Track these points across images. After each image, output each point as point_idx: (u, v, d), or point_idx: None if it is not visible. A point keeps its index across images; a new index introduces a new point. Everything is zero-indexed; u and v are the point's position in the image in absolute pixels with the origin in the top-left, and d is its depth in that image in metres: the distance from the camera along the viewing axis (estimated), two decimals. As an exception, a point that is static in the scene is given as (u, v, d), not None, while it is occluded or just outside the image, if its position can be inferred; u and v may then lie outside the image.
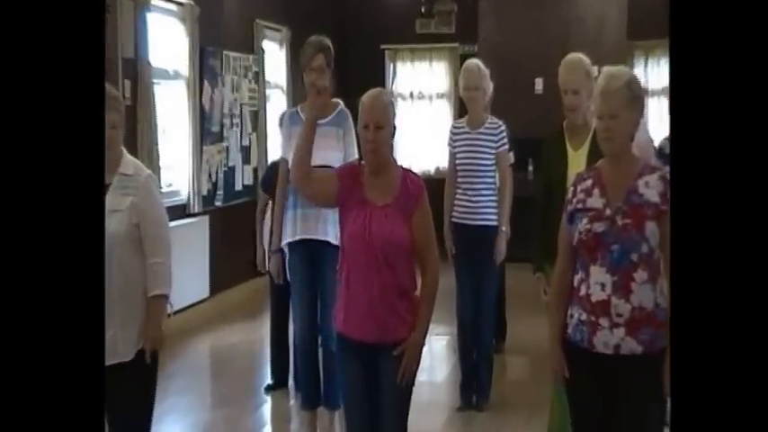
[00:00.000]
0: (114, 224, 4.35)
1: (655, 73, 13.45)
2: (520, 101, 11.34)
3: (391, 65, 14.19)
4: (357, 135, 4.75)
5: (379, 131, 4.23)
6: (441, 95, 13.99)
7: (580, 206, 3.98)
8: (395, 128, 4.34)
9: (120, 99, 4.53)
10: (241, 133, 10.48)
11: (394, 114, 4.38)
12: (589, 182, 4.02)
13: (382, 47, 14.06)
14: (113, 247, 4.33)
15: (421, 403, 6.46)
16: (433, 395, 7.17)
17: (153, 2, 8.62)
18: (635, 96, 3.93)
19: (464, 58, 12.13)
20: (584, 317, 3.92)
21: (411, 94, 14.18)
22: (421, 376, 6.46)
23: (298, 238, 5.77)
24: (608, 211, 3.90)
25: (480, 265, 6.60)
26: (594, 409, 3.99)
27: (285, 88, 11.97)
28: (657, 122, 12.50)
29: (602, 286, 3.88)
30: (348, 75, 13.23)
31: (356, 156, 5.85)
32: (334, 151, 5.82)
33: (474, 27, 13.19)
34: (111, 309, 4.21)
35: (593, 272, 3.91)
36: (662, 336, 3.80)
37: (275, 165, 6.73)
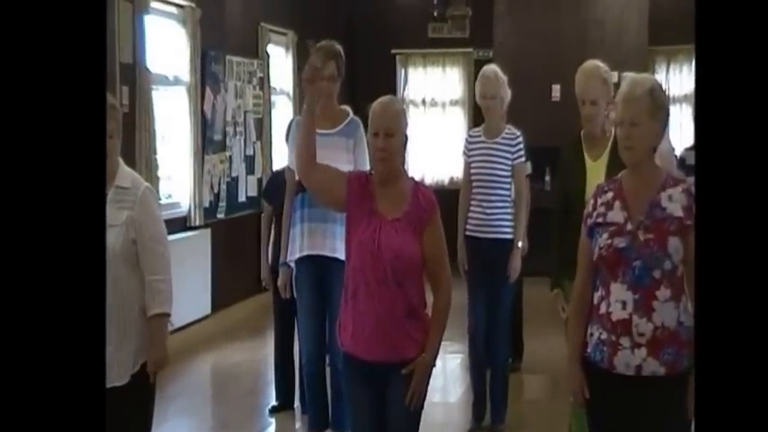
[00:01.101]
0: (110, 240, 4.25)
1: (677, 80, 13.59)
2: (536, 108, 11.47)
3: (403, 70, 14.30)
4: (368, 145, 4.76)
5: (390, 139, 4.22)
6: (454, 102, 14.11)
7: (600, 220, 3.98)
8: (407, 137, 4.34)
9: (117, 107, 4.52)
10: (245, 142, 10.52)
11: (406, 123, 4.39)
12: (610, 194, 4.02)
13: (393, 52, 14.16)
14: (108, 263, 4.19)
15: (434, 424, 6.55)
16: (446, 416, 7.20)
17: (152, 4, 8.67)
18: (658, 105, 3.94)
19: (479, 63, 12.30)
20: (604, 336, 3.92)
21: (423, 101, 14.30)
22: (434, 397, 6.51)
23: (305, 254, 5.78)
24: (629, 226, 3.90)
25: (494, 281, 6.61)
26: (615, 431, 4.01)
27: (291, 95, 12.06)
28: (678, 131, 12.62)
29: (623, 304, 3.88)
30: (357, 81, 13.28)
31: (367, 167, 5.82)
32: (343, 163, 5.71)
33: (489, 31, 13.28)
34: (110, 335, 4.19)
35: (614, 289, 3.91)
36: (685, 355, 3.82)
37: (279, 174, 6.79)
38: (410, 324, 4.26)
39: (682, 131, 12.76)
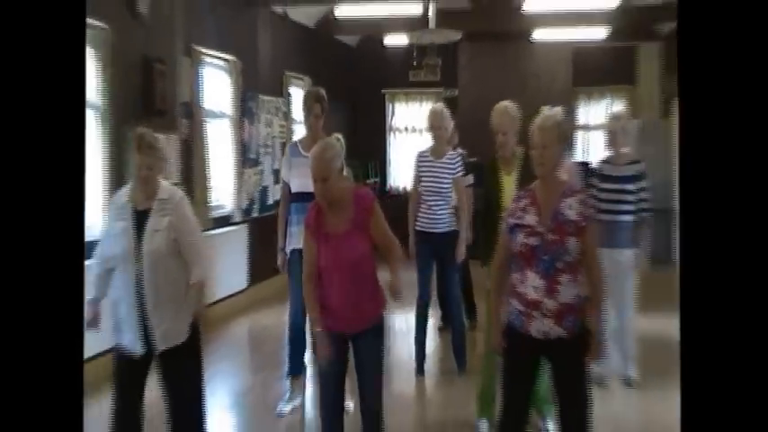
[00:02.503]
0: (157, 242, 4.29)
1: (593, 111, 13.62)
2: (489, 136, 11.38)
3: (390, 105, 14.26)
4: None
5: (326, 183, 4.07)
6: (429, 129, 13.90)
7: (518, 222, 3.98)
8: (343, 166, 4.19)
9: (156, 146, 4.41)
10: (273, 159, 10.46)
11: (340, 162, 4.15)
12: (526, 201, 4.01)
13: (383, 91, 14.16)
14: (159, 260, 4.29)
15: (402, 359, 6.79)
16: (410, 353, 7.09)
17: (205, 59, 8.73)
18: (563, 133, 3.96)
19: (447, 100, 12.31)
20: (521, 309, 3.95)
21: (406, 129, 14.24)
22: (404, 338, 6.63)
23: (298, 247, 5.57)
24: (540, 228, 3.91)
25: (443, 263, 6.76)
26: (526, 374, 4.06)
27: None
28: (594, 149, 12.83)
29: (536, 289, 3.90)
30: (358, 113, 13.41)
31: None
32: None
33: (454, 76, 13.30)
34: (162, 310, 4.32)
35: (529, 276, 3.92)
36: (581, 319, 3.89)
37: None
38: (368, 305, 4.25)
39: (597, 149, 12.86)
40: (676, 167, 8.39)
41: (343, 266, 4.15)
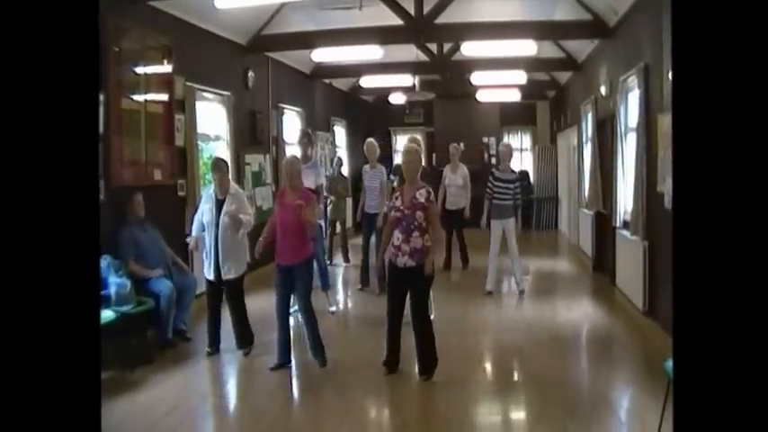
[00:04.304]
0: (227, 218, 4.45)
1: (513, 138, 13.44)
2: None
3: (394, 137, 14.13)
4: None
5: (292, 187, 4.27)
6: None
7: (393, 204, 4.08)
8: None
9: (219, 167, 4.50)
10: (325, 168, 10.07)
11: (299, 170, 4.30)
12: (397, 194, 4.11)
13: (389, 128, 14.07)
14: (228, 228, 4.44)
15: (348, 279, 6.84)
16: (353, 275, 7.08)
17: (285, 111, 8.88)
18: (420, 157, 4.08)
19: (427, 133, 12.46)
20: (393, 251, 4.01)
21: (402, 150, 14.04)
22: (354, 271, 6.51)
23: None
24: (402, 207, 3.99)
25: (371, 227, 6.65)
26: (397, 289, 4.08)
27: (345, 147, 11.80)
28: (519, 163, 12.62)
29: (399, 239, 3.97)
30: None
31: (322, 179, 6.05)
32: (319, 177, 5.99)
33: (431, 119, 13.25)
34: (228, 257, 4.44)
35: (396, 233, 4.00)
36: (424, 257, 3.92)
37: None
38: (302, 247, 4.21)
39: (519, 163, 12.64)
40: (558, 173, 8.50)
41: (290, 223, 4.16)
